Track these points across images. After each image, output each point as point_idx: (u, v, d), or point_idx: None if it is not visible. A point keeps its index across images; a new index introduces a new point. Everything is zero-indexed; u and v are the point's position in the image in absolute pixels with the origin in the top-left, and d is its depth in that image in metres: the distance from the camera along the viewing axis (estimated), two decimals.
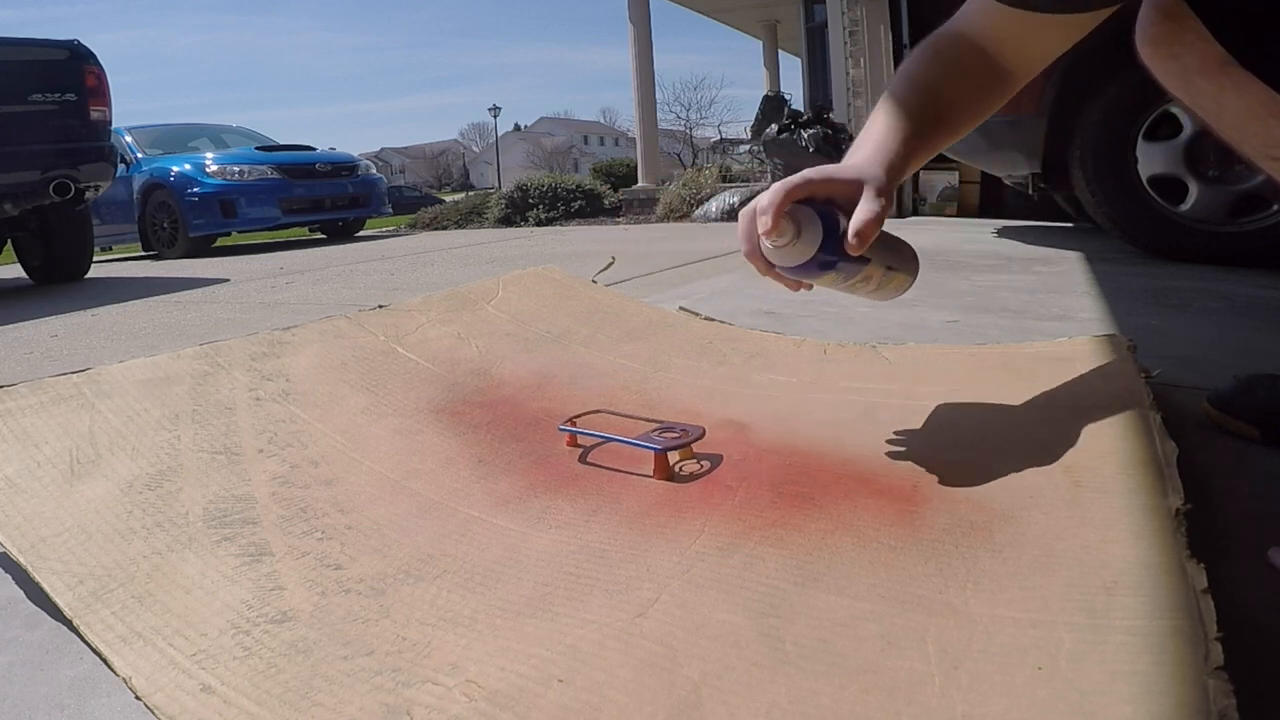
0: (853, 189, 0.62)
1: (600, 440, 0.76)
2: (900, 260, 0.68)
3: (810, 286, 0.67)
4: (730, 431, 0.79)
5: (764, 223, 0.60)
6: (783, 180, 0.62)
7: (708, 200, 5.61)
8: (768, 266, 0.64)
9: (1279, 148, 0.65)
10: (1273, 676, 0.45)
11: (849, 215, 0.61)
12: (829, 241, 0.60)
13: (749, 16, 10.24)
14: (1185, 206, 1.98)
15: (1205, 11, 0.60)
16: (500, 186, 15.27)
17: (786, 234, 0.60)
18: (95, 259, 4.27)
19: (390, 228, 8.72)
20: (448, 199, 14.42)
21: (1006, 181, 2.78)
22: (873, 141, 0.67)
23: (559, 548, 0.59)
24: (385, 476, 0.73)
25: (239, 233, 6.22)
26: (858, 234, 0.59)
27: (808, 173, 0.63)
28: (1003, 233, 3.08)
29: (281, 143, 6.53)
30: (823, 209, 0.61)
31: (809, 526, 0.59)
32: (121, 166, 5.20)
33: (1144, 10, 0.67)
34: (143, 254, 6.26)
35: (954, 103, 0.71)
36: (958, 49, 0.72)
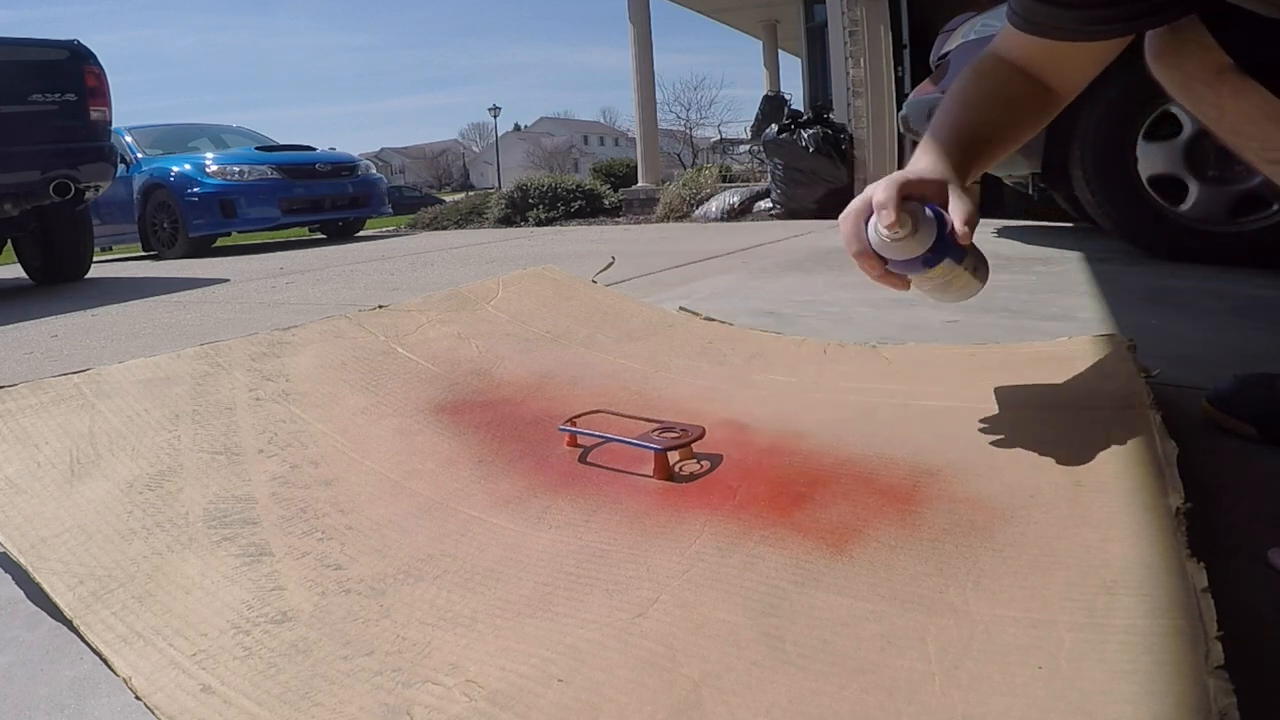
0: (939, 188, 0.65)
1: (600, 440, 0.76)
2: (979, 260, 0.70)
3: (908, 286, 0.68)
4: (730, 431, 0.79)
5: (886, 216, 0.62)
6: (886, 179, 0.64)
7: (708, 200, 5.61)
8: (881, 266, 0.65)
9: (1277, 151, 0.65)
10: (1273, 676, 0.45)
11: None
12: (940, 234, 0.63)
13: (749, 16, 10.23)
14: (1185, 206, 1.98)
15: (1211, 19, 0.60)
16: (500, 186, 15.26)
17: (905, 226, 0.62)
18: (95, 259, 4.27)
19: (390, 228, 8.71)
20: (448, 199, 14.40)
21: (1006, 181, 2.78)
22: (933, 153, 0.69)
23: (559, 548, 0.59)
24: (385, 476, 0.73)
25: (239, 233, 6.22)
26: (966, 223, 0.63)
27: (903, 173, 0.65)
28: (1003, 233, 3.08)
29: (281, 143, 6.53)
30: (929, 205, 0.64)
31: (809, 526, 0.59)
32: (121, 166, 5.20)
33: None
34: (143, 254, 6.26)
35: (1005, 120, 0.74)
36: (1001, 71, 0.75)
